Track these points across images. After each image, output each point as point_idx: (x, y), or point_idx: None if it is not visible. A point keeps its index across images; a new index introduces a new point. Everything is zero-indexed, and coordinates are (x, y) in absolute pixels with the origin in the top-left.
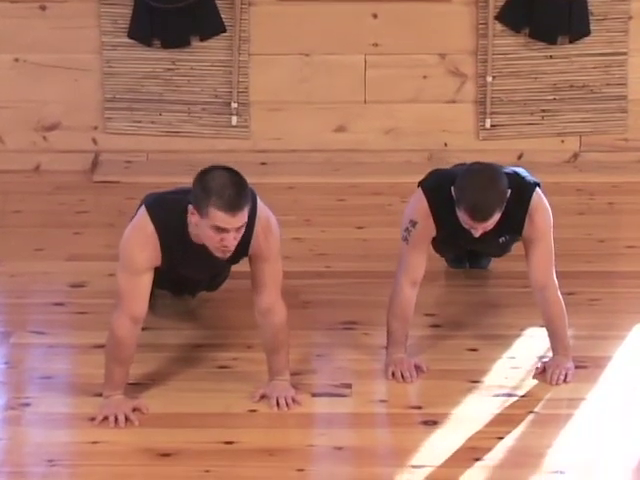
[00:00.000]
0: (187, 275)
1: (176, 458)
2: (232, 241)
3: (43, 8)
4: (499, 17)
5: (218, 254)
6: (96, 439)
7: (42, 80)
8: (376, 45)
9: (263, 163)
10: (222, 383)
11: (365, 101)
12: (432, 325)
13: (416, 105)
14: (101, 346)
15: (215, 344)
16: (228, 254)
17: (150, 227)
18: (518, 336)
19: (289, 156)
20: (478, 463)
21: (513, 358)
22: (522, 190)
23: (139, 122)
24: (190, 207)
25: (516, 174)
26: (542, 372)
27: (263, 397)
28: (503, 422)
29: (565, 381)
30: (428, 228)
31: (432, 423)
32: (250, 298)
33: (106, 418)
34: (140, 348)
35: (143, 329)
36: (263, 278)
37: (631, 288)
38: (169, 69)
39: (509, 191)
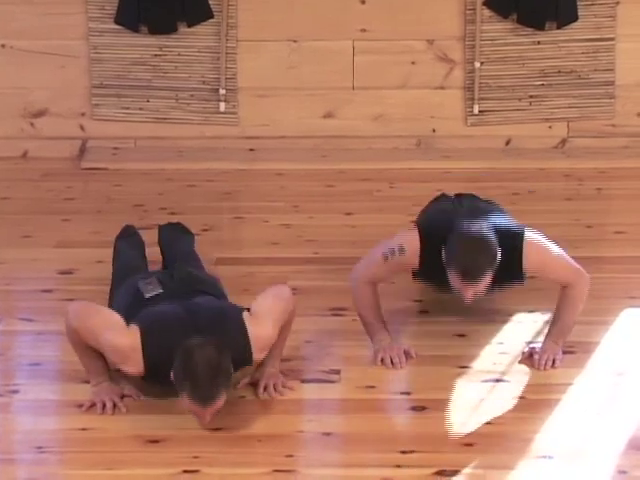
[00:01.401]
0: None
1: (165, 444)
2: (207, 420)
3: None
4: (487, 3)
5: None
6: (85, 426)
7: (29, 66)
8: (364, 31)
9: (251, 149)
10: None
11: (353, 87)
12: (420, 311)
13: (404, 91)
14: None
15: None
16: (206, 423)
17: (139, 356)
18: (506, 322)
19: (277, 142)
20: (467, 448)
21: (501, 344)
22: (512, 244)
23: (127, 108)
24: (172, 377)
25: (501, 228)
26: (529, 357)
27: (250, 384)
28: (491, 407)
29: (553, 366)
30: (411, 262)
31: (421, 409)
32: (238, 284)
33: (94, 405)
34: None
35: None
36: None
37: (619, 273)
38: (156, 55)
39: (499, 252)
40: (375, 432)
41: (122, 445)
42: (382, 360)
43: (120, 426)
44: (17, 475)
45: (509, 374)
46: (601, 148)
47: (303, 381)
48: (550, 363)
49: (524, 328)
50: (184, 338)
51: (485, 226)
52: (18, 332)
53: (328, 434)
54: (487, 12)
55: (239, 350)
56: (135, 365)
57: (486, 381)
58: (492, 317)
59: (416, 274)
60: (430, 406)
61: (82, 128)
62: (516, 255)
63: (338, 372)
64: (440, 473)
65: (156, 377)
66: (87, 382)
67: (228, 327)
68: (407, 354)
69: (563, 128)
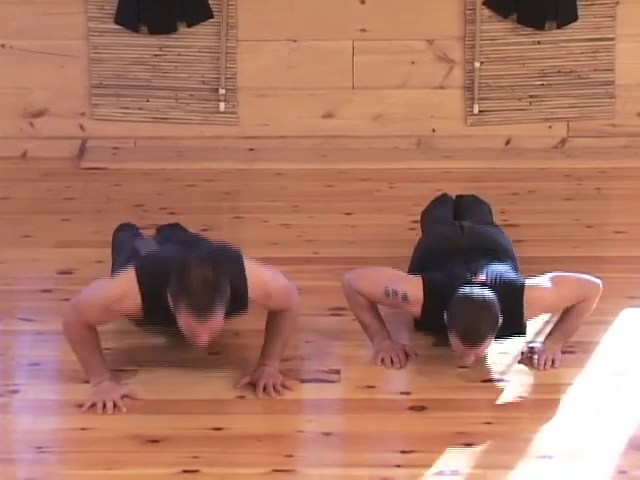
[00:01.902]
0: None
1: (165, 444)
2: (205, 339)
3: None
4: (487, 3)
5: (193, 343)
6: (85, 425)
7: (29, 66)
8: (364, 31)
9: (251, 149)
10: (211, 370)
11: (353, 87)
12: None
13: (404, 91)
14: None
15: None
16: (203, 344)
17: (137, 297)
18: None
19: (277, 142)
20: (466, 448)
21: (501, 343)
22: (512, 297)
23: (126, 108)
24: (169, 296)
25: (501, 282)
26: (529, 357)
27: (250, 384)
28: (491, 407)
29: (553, 366)
30: (413, 310)
31: (420, 408)
32: None
33: (94, 405)
34: (128, 334)
35: None
36: (273, 306)
37: (618, 273)
38: (156, 55)
39: (501, 318)
40: (375, 432)
41: (122, 445)
42: (382, 360)
43: (120, 426)
44: (17, 475)
45: (509, 374)
46: (601, 148)
47: (303, 381)
48: (550, 363)
49: None
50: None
51: (487, 289)
52: (18, 332)
53: (328, 434)
54: (487, 12)
55: (235, 282)
56: (133, 299)
57: (485, 381)
58: None
59: (417, 323)
60: (430, 406)
61: (82, 128)
62: (517, 308)
63: (338, 372)
64: (440, 473)
65: (156, 312)
66: (87, 382)
67: (226, 259)
68: (407, 354)
69: (563, 128)
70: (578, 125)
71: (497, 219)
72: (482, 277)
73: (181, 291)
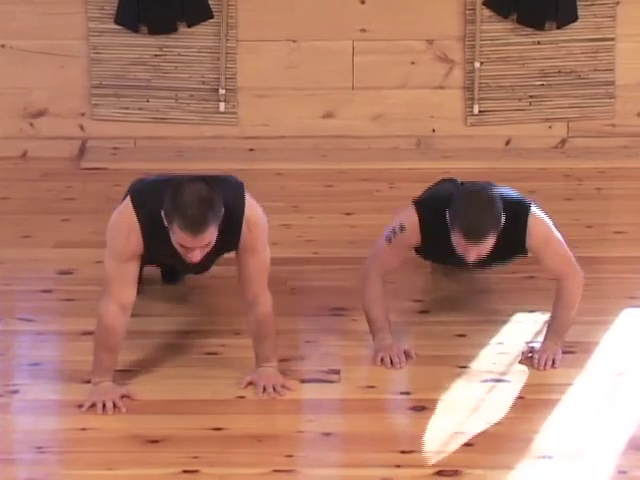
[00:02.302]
0: (174, 264)
1: (164, 444)
2: (198, 256)
3: None
4: (487, 3)
5: (187, 260)
6: (85, 426)
7: (29, 66)
8: (364, 31)
9: (251, 149)
10: (210, 370)
11: (353, 87)
12: (420, 311)
13: (404, 91)
14: (89, 333)
15: (203, 331)
16: (195, 262)
17: (133, 218)
18: (506, 322)
19: (277, 142)
20: (467, 448)
21: (501, 344)
22: (517, 213)
23: (126, 108)
24: (163, 214)
25: (508, 197)
26: (529, 357)
27: (250, 384)
28: (491, 407)
29: (553, 366)
30: (414, 239)
31: (421, 409)
32: (238, 285)
33: (94, 405)
34: (128, 335)
35: (132, 316)
36: (249, 271)
37: (619, 273)
38: (156, 55)
39: (504, 217)
40: (375, 432)
41: (122, 445)
42: (382, 360)
43: (120, 426)
44: (17, 475)
45: (509, 374)
46: (601, 148)
47: (303, 381)
48: (550, 363)
49: (524, 328)
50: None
51: (490, 189)
52: (18, 332)
53: (328, 434)
54: (487, 12)
55: (233, 206)
56: (133, 231)
57: (486, 381)
58: (492, 317)
59: (418, 250)
60: (430, 406)
61: (82, 128)
62: (520, 226)
63: (338, 372)
64: (440, 473)
65: (154, 250)
66: (87, 382)
67: (229, 184)
68: (407, 354)
69: (563, 128)
70: (578, 125)
71: None
72: (487, 186)
73: (174, 207)
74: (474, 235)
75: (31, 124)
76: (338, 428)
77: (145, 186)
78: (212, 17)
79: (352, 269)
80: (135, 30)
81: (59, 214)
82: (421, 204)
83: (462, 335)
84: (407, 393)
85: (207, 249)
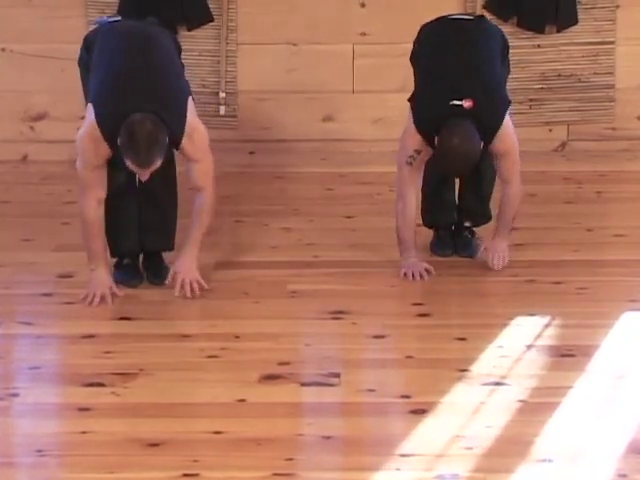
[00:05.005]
0: None
1: (164, 448)
2: (146, 176)
3: None
4: (487, 6)
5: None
6: (85, 429)
7: (29, 70)
8: (364, 34)
9: (251, 152)
10: (210, 373)
11: (353, 91)
12: (420, 314)
13: (404, 94)
14: (90, 336)
15: (203, 334)
16: (145, 179)
17: (97, 132)
18: (506, 325)
19: (277, 146)
20: (466, 452)
21: (501, 347)
22: (499, 105)
23: None
24: (119, 142)
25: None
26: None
27: (172, 279)
28: (491, 411)
29: (504, 264)
30: (428, 153)
31: (421, 412)
32: (238, 288)
33: (86, 297)
34: (128, 338)
35: (132, 319)
36: (194, 174)
37: (619, 276)
38: None
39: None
40: (375, 435)
41: (122, 448)
42: (405, 274)
43: (120, 429)
44: (17, 478)
45: (509, 377)
46: (601, 151)
47: (303, 384)
48: (501, 262)
49: (524, 331)
50: (130, 106)
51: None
52: (18, 335)
53: (328, 437)
54: (487, 15)
55: (173, 127)
56: (100, 144)
57: (486, 384)
58: (492, 321)
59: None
60: (430, 409)
61: None
62: (492, 131)
63: (338, 375)
64: (440, 477)
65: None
66: (87, 385)
67: (172, 104)
68: (428, 271)
69: (563, 131)
70: (578, 128)
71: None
72: (469, 103)
73: (127, 146)
74: (452, 174)
75: (31, 127)
76: (338, 431)
77: (103, 99)
78: (212, 20)
79: (353, 272)
80: None
81: (59, 217)
82: (420, 122)
83: (462, 338)
84: (407, 396)
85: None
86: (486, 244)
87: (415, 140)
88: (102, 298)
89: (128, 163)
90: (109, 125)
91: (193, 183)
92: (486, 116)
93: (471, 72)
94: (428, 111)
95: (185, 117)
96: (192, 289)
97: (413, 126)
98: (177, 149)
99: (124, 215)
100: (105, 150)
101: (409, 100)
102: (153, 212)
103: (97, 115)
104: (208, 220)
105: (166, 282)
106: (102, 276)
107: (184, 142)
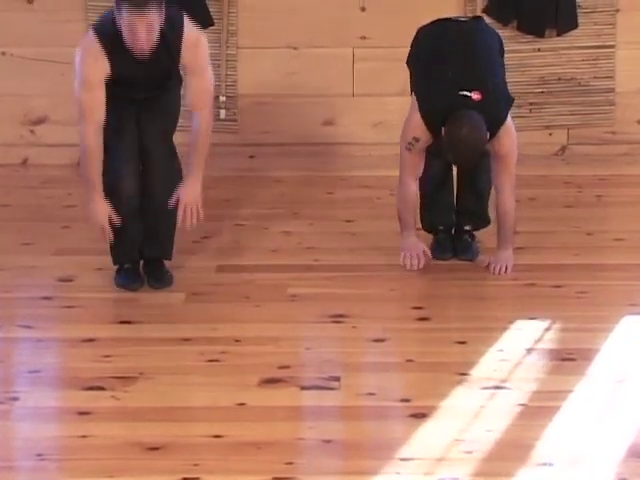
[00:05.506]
0: (134, 80)
1: (165, 452)
2: (143, 35)
3: (30, 1)
4: (487, 10)
5: (137, 52)
6: (85, 433)
7: (29, 74)
8: (364, 38)
9: (251, 156)
10: (210, 377)
11: (353, 94)
12: (420, 318)
13: (404, 98)
14: (90, 340)
15: (203, 338)
16: (144, 50)
17: (97, 45)
18: (506, 329)
19: (277, 149)
20: (467, 455)
21: (501, 351)
22: (503, 101)
23: None
24: (115, 15)
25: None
26: (486, 266)
27: (176, 203)
28: (491, 414)
29: (506, 272)
30: (428, 140)
31: (421, 416)
32: (238, 292)
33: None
34: (128, 342)
35: (132, 323)
36: (192, 89)
37: (619, 280)
38: None
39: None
40: (375, 439)
41: (122, 452)
42: (404, 262)
43: (120, 433)
44: None
45: (509, 381)
46: (601, 155)
47: (303, 388)
48: (503, 270)
49: (524, 335)
50: None
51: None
52: (18, 339)
53: (328, 441)
54: (487, 19)
55: (173, 19)
56: (99, 55)
57: (486, 388)
58: (492, 324)
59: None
60: (430, 413)
61: None
62: (494, 130)
63: (338, 379)
64: None
65: (117, 63)
66: (87, 389)
67: (172, 17)
68: (426, 255)
69: (563, 135)
70: (578, 132)
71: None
72: (477, 96)
73: None
74: (463, 165)
75: (31, 131)
76: (338, 435)
77: (103, 17)
78: (213, 24)
79: (353, 276)
80: None
81: (59, 221)
82: (424, 109)
83: (462, 342)
84: (407, 400)
85: (152, 34)
86: (490, 258)
87: (415, 127)
88: (102, 229)
89: (124, 17)
90: (105, 27)
91: (191, 102)
92: (492, 109)
93: (478, 65)
94: (436, 102)
95: (182, 15)
96: (193, 218)
97: (417, 115)
98: (178, 54)
99: (125, 163)
100: (104, 64)
101: (413, 91)
102: (153, 220)
103: (95, 27)
104: (208, 142)
105: (170, 203)
106: (100, 205)
107: (184, 52)
